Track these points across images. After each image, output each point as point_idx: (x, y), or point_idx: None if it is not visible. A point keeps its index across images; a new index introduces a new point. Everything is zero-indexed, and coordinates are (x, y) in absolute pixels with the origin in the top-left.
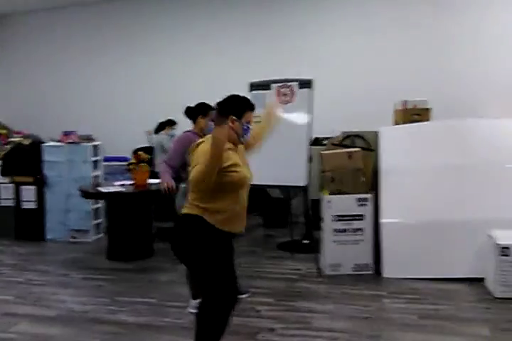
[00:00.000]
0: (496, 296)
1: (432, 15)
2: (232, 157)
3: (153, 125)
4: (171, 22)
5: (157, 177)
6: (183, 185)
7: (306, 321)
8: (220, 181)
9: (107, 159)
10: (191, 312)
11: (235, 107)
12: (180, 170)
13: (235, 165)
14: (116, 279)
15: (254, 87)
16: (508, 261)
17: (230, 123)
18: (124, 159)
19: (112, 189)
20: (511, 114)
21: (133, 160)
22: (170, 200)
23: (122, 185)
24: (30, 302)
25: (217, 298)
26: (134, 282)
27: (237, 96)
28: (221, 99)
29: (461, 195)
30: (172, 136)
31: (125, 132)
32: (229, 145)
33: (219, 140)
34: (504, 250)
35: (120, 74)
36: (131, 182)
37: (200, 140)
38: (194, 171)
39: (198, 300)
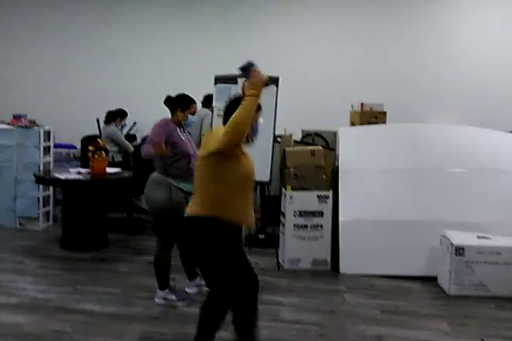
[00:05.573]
0: (450, 294)
1: (385, 21)
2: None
3: (103, 114)
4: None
5: (115, 166)
6: (155, 174)
7: (274, 313)
8: (233, 172)
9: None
10: (158, 303)
11: None
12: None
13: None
14: (74, 268)
15: (220, 80)
16: (463, 261)
17: None
18: (72, 147)
19: (69, 176)
20: (453, 120)
21: (91, 148)
22: (126, 191)
23: (79, 172)
24: None
25: (233, 294)
26: (94, 272)
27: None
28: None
29: (412, 197)
30: (123, 126)
31: (72, 120)
32: None
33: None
34: (459, 250)
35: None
36: (88, 170)
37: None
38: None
39: (196, 280)
